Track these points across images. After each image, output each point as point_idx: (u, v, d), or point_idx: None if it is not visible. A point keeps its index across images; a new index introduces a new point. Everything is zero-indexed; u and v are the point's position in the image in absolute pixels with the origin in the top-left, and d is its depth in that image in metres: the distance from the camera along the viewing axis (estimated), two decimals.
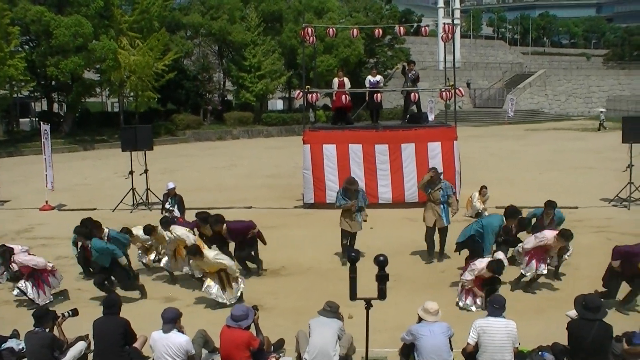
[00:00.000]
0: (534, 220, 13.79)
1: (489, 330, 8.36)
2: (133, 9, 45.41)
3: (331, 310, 8.81)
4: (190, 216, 18.39)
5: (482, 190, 18.78)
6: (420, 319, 8.74)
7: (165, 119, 49.68)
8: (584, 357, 8.29)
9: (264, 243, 13.99)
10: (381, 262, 7.72)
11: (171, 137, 47.15)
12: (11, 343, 9.06)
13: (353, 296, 7.80)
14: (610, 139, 37.48)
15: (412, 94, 21.60)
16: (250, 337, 8.46)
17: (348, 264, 8.10)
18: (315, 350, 8.47)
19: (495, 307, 8.54)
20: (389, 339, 9.54)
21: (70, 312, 9.35)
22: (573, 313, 8.78)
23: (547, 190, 16.95)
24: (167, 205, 17.87)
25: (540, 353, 8.68)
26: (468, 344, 8.51)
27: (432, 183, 14.32)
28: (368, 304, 7.75)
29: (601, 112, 56.95)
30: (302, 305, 11.25)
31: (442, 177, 14.89)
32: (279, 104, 66.57)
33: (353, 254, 7.99)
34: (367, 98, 22.75)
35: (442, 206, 14.21)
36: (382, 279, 7.69)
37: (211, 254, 11.53)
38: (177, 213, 17.32)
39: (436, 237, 14.54)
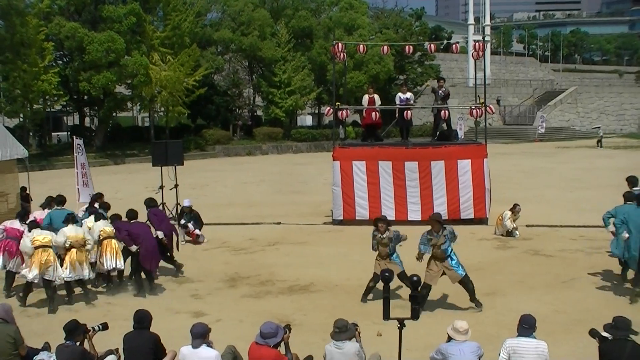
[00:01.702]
0: None
1: (520, 351, 8.27)
2: (165, 25, 46.05)
3: (341, 331, 8.65)
4: (211, 230, 18.56)
5: (515, 208, 18.66)
6: (449, 338, 8.67)
7: (195, 134, 50.09)
8: None
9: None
10: (414, 282, 7.71)
11: (201, 152, 47.49)
12: (42, 356, 9.11)
13: (386, 316, 7.75)
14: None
15: (442, 112, 21.57)
16: (277, 356, 8.43)
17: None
18: None
19: (525, 327, 8.45)
20: (418, 357, 9.49)
21: (100, 326, 9.41)
22: (605, 335, 8.67)
23: (577, 208, 16.81)
24: (182, 221, 18.38)
25: None
26: None
27: (434, 233, 12.26)
28: (401, 324, 7.71)
29: (599, 128, 57.26)
30: (330, 322, 11.19)
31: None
32: (308, 120, 66.80)
33: (387, 274, 7.95)
34: (397, 115, 22.73)
35: (449, 259, 12.23)
36: (415, 299, 7.67)
37: None
38: (192, 227, 18.32)
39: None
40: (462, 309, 12.03)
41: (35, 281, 12.72)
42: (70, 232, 13.13)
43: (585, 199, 17.99)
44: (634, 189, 14.70)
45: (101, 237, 13.64)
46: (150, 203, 15.25)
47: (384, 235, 12.53)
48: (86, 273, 13.17)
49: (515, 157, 43.15)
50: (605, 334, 8.58)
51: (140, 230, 13.87)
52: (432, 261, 12.33)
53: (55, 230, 13.41)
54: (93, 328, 9.30)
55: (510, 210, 18.64)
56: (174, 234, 15.10)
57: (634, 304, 12.34)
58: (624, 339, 8.21)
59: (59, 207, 15.12)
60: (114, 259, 13.58)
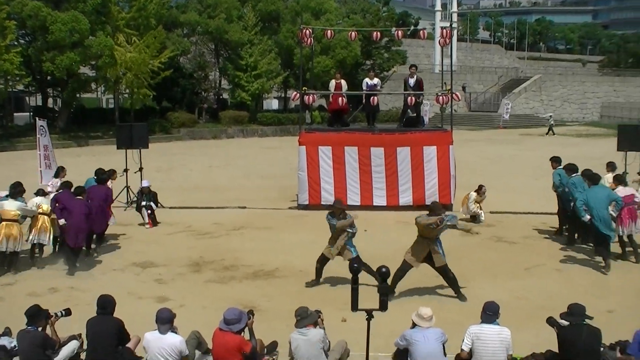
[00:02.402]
0: None
1: (483, 337, 8.37)
2: (130, 6, 45.31)
3: (302, 318, 8.67)
4: (176, 214, 18.45)
5: (481, 189, 18.77)
6: (414, 325, 8.73)
7: (161, 117, 49.63)
8: None
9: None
10: (383, 273, 7.71)
11: (166, 135, 47.05)
12: (3, 341, 8.99)
13: (355, 307, 7.76)
14: (604, 145, 37.54)
15: (409, 99, 21.56)
16: (242, 342, 8.42)
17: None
18: None
19: (488, 314, 8.55)
20: (383, 344, 9.51)
21: (63, 312, 9.31)
22: (563, 323, 8.80)
23: (542, 196, 16.98)
24: (143, 203, 18.44)
25: None
26: (462, 350, 8.51)
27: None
28: (369, 315, 7.72)
29: (550, 116, 58.18)
30: (296, 307, 11.21)
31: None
32: (274, 104, 66.54)
33: (355, 265, 7.97)
34: (363, 101, 22.73)
35: (438, 242, 12.21)
36: (383, 290, 7.67)
37: None
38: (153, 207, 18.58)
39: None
40: (427, 296, 12.10)
41: None
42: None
43: (549, 186, 18.18)
44: (573, 175, 15.81)
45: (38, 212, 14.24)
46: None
47: (339, 221, 12.45)
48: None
49: (480, 144, 43.48)
50: (562, 321, 8.72)
51: (72, 205, 14.10)
52: (421, 239, 12.18)
53: None
54: (56, 314, 9.20)
55: (476, 191, 18.78)
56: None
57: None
58: (580, 324, 8.36)
59: None
60: (38, 234, 14.23)
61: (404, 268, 12.18)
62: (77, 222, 13.95)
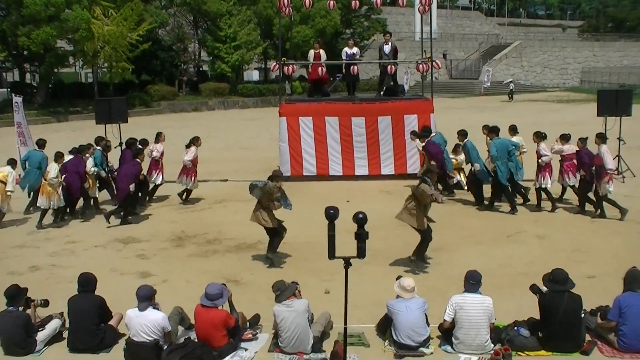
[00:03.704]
0: None
1: (465, 306, 8.40)
2: None
3: (282, 291, 8.69)
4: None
5: (457, 149, 18.57)
6: (397, 295, 8.75)
7: (140, 90, 49.34)
8: (557, 329, 8.37)
9: None
10: (360, 219, 7.59)
11: (146, 109, 46.81)
12: None
13: (332, 255, 7.66)
14: (584, 111, 37.67)
15: (389, 67, 21.48)
16: (227, 316, 8.42)
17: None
18: (291, 338, 8.49)
19: (471, 283, 8.58)
20: (366, 314, 9.54)
21: (41, 302, 9.20)
22: (545, 290, 8.84)
23: (525, 163, 17.01)
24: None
25: (515, 328, 8.73)
26: (445, 320, 8.54)
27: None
28: (347, 262, 7.64)
29: (510, 82, 59.68)
30: (278, 279, 11.20)
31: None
32: (254, 75, 66.23)
33: (332, 211, 7.82)
34: (343, 70, 22.61)
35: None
36: (361, 236, 7.53)
37: None
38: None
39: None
40: (410, 265, 12.09)
41: None
42: None
43: (531, 153, 18.14)
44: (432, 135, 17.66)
45: None
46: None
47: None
48: None
49: (461, 112, 43.47)
50: (543, 287, 8.76)
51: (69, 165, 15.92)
52: (412, 201, 11.93)
53: None
54: (35, 300, 9.13)
55: (453, 151, 18.58)
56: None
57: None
58: (561, 291, 8.41)
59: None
60: None
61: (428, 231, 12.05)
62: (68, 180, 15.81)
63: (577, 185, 16.14)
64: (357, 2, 24.47)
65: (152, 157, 17.71)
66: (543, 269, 9.49)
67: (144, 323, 8.25)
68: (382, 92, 22.55)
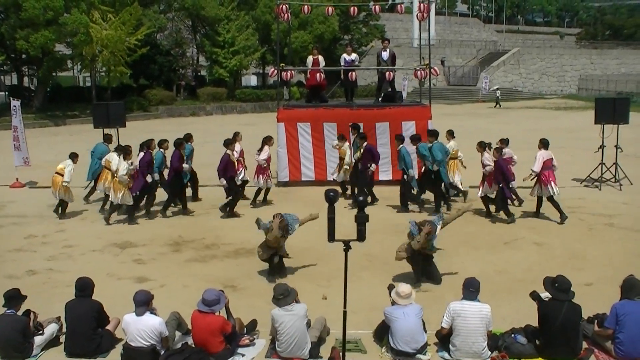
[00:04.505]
0: None
1: (464, 314, 8.40)
2: None
3: (283, 296, 8.62)
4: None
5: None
6: (393, 302, 8.75)
7: (138, 95, 49.33)
8: (554, 337, 8.37)
9: None
10: (361, 202, 7.57)
11: (144, 113, 46.80)
12: None
13: (331, 238, 7.62)
14: (581, 118, 37.74)
15: (387, 73, 21.52)
16: (224, 322, 8.41)
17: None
18: (289, 343, 8.47)
19: (470, 291, 8.57)
20: (363, 320, 9.55)
21: (38, 323, 9.12)
22: (545, 295, 8.85)
23: (519, 169, 17.01)
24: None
25: (513, 335, 8.74)
26: (442, 327, 8.54)
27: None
28: (347, 245, 7.61)
29: (497, 89, 59.91)
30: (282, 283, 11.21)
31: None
32: (252, 80, 66.25)
33: (332, 193, 7.76)
34: (342, 76, 22.64)
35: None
36: (361, 219, 7.49)
37: None
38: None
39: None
40: (408, 270, 12.09)
41: None
42: None
43: (529, 159, 18.16)
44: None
45: None
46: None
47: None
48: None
49: (459, 118, 43.49)
50: (544, 294, 8.76)
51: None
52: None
53: None
54: (37, 318, 9.10)
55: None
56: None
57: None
58: (562, 300, 8.40)
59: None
60: None
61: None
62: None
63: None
64: (356, 8, 24.58)
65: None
66: (540, 275, 9.51)
67: (141, 328, 8.24)
68: (380, 99, 22.55)
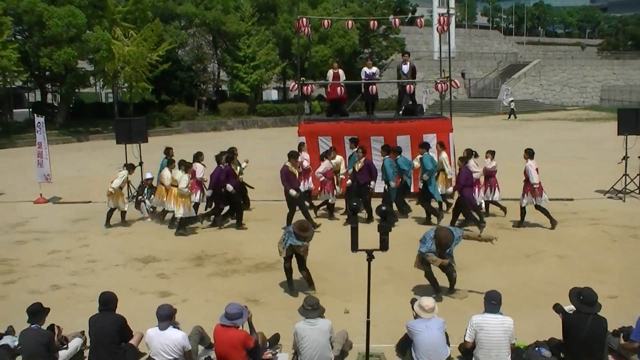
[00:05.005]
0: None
1: (486, 327, 8.35)
2: (126, 0, 45.24)
3: (312, 309, 8.62)
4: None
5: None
6: (416, 315, 8.72)
7: (160, 110, 49.62)
8: (579, 351, 8.28)
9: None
10: (383, 212, 7.56)
11: (165, 128, 47.06)
12: (6, 340, 9.01)
13: (355, 247, 7.61)
14: (604, 129, 37.48)
15: (408, 86, 21.52)
16: (246, 337, 8.41)
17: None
18: (311, 357, 8.43)
19: (492, 304, 8.51)
20: (385, 333, 9.51)
21: (64, 337, 9.20)
22: (569, 308, 8.77)
23: (542, 181, 16.92)
24: (140, 197, 18.72)
25: (536, 348, 8.67)
26: (466, 340, 8.49)
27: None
28: (370, 255, 7.59)
29: (512, 101, 59.40)
30: (298, 300, 11.20)
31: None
32: (273, 94, 66.45)
33: (354, 203, 7.76)
34: (362, 90, 22.67)
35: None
36: (384, 229, 7.48)
37: None
38: (149, 203, 18.57)
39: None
40: (428, 285, 12.05)
41: None
42: None
43: (549, 171, 18.10)
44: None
45: None
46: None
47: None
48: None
49: (480, 130, 43.40)
50: (568, 307, 8.68)
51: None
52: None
53: None
54: (62, 333, 9.18)
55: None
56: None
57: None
58: (587, 313, 8.31)
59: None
60: None
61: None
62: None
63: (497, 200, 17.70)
64: (375, 22, 24.66)
65: (303, 167, 18.52)
66: (563, 288, 9.45)
67: (164, 342, 8.27)
68: (400, 112, 22.55)
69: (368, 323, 7.74)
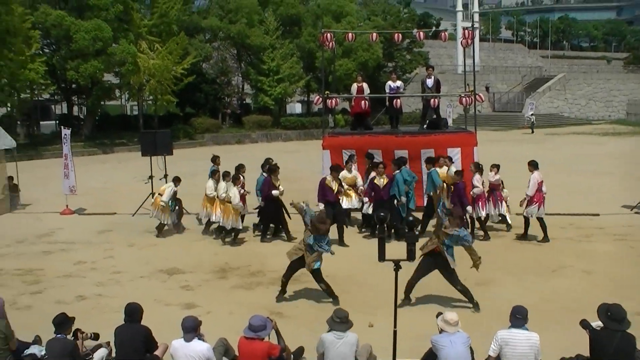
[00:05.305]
0: None
1: (512, 342, 8.28)
2: (152, 13, 45.74)
3: (341, 322, 8.64)
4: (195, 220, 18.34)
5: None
6: (440, 330, 8.67)
7: (184, 123, 49.91)
8: None
9: None
10: (411, 222, 7.59)
11: (190, 141, 47.31)
12: (34, 349, 9.09)
13: (382, 257, 7.61)
14: (631, 144, 37.16)
15: (432, 100, 21.50)
16: (270, 347, 8.42)
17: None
18: None
19: (518, 318, 8.44)
20: (409, 348, 9.47)
21: (92, 335, 9.32)
22: (596, 324, 8.67)
23: (567, 196, 16.84)
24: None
25: None
26: (490, 355, 8.43)
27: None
28: (397, 265, 7.59)
29: (532, 115, 58.95)
30: (322, 313, 11.19)
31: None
32: (297, 108, 66.59)
33: (382, 214, 7.78)
34: (387, 104, 22.69)
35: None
36: (411, 239, 7.49)
37: None
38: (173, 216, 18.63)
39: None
40: (454, 300, 12.01)
41: None
42: None
43: (575, 186, 17.91)
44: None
45: None
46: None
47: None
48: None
49: (504, 144, 43.21)
50: (595, 323, 8.58)
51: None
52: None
53: None
54: (85, 333, 9.25)
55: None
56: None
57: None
58: (615, 330, 8.20)
59: None
60: None
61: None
62: None
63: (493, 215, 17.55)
64: (400, 35, 24.66)
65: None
66: (589, 304, 9.37)
67: (189, 354, 8.30)
68: (425, 125, 22.51)
69: (395, 333, 7.71)
